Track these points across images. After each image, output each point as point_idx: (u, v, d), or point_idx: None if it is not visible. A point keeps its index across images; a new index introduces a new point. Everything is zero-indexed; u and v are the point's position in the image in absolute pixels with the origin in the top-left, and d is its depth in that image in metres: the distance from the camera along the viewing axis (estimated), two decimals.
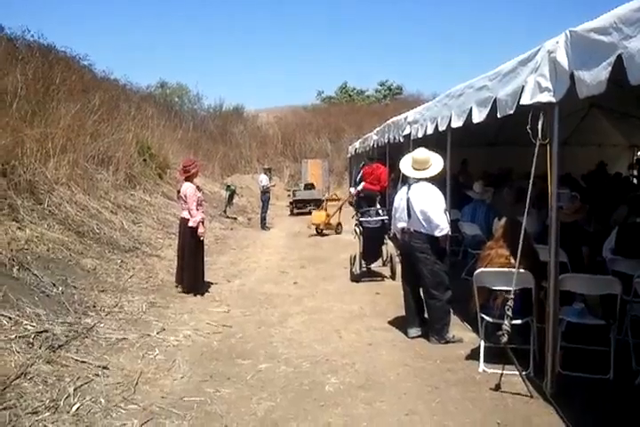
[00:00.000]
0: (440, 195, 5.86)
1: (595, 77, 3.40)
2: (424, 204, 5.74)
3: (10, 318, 5.29)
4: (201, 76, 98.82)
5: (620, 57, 3.12)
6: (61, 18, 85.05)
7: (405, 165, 6.04)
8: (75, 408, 4.12)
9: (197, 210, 7.86)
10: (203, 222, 8.03)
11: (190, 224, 7.80)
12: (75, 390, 4.39)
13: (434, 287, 5.75)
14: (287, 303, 7.47)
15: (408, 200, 5.86)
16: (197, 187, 8.06)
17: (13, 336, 4.98)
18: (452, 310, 5.88)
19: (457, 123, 6.45)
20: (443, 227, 5.70)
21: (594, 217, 7.26)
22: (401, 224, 5.96)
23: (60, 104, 11.59)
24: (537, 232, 6.04)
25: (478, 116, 5.64)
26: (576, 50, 3.70)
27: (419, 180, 5.90)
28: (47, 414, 4.01)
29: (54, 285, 6.56)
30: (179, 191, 8.18)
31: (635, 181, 13.05)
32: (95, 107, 13.50)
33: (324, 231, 14.22)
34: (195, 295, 7.78)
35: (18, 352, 4.73)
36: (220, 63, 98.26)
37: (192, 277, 7.94)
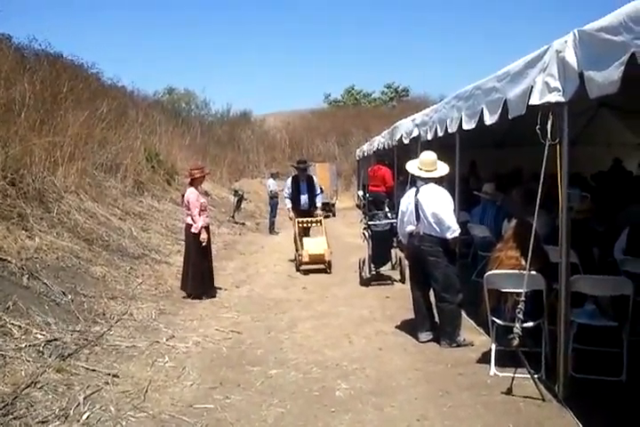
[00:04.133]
0: (449, 196, 5.81)
1: (607, 77, 3.34)
2: (435, 206, 5.69)
3: (20, 326, 5.31)
4: (208, 82, 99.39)
5: (633, 55, 3.05)
6: (68, 26, 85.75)
7: (412, 166, 6.01)
8: (85, 417, 4.12)
9: (200, 215, 7.86)
10: (207, 228, 8.02)
11: (193, 230, 7.81)
12: (85, 398, 4.38)
13: (445, 290, 5.71)
14: (296, 308, 7.44)
15: (417, 203, 5.81)
16: (205, 192, 8.07)
17: (23, 345, 5.01)
18: (462, 313, 5.84)
19: (469, 125, 6.23)
20: (454, 229, 5.66)
21: (603, 217, 7.17)
22: (409, 228, 5.91)
23: (67, 112, 11.65)
24: (547, 233, 5.98)
25: (490, 118, 5.47)
26: (585, 49, 3.66)
27: (427, 182, 5.86)
28: (57, 422, 4.01)
29: (64, 293, 6.57)
30: (183, 196, 8.20)
31: None
32: (103, 114, 13.58)
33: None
34: (202, 300, 7.79)
35: (28, 361, 4.75)
36: (226, 69, 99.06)
37: (198, 283, 7.93)
